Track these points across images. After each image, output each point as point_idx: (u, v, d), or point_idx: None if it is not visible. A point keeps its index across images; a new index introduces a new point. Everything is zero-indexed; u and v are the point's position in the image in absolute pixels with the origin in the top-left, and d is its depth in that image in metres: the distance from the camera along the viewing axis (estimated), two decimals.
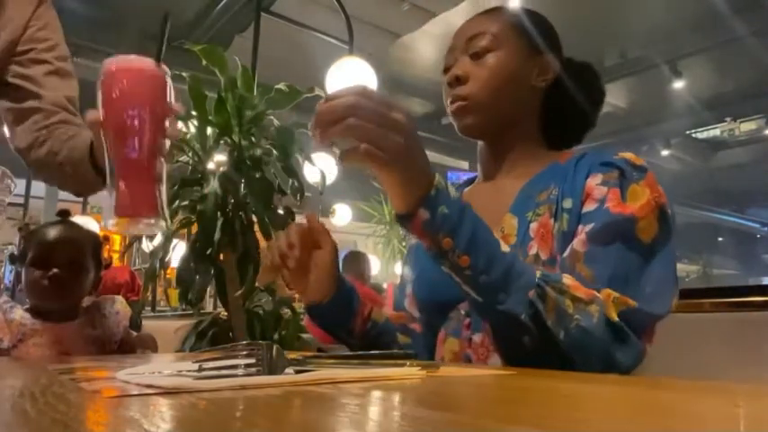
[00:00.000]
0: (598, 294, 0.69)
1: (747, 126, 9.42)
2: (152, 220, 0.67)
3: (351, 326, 0.90)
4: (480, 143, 0.95)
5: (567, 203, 0.79)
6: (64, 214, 1.36)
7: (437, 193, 0.66)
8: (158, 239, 2.63)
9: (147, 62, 0.70)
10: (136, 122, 0.68)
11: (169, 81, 0.71)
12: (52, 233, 1.24)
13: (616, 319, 0.68)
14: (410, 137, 0.64)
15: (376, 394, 0.43)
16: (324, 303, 0.87)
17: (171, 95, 0.71)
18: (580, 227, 0.76)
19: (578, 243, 0.74)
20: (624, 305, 0.69)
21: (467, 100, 0.88)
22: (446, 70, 0.93)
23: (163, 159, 0.70)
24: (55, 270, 1.19)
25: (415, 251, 0.97)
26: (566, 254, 0.75)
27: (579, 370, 0.67)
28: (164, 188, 0.70)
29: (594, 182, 0.79)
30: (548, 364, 0.66)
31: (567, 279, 0.70)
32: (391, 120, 0.63)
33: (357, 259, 4.12)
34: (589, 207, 0.77)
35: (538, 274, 0.69)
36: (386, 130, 0.62)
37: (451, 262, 0.67)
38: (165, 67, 0.71)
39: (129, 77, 0.69)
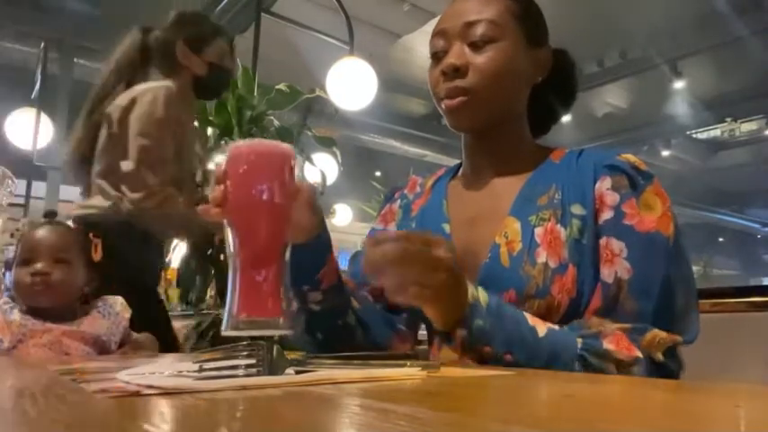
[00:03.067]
0: (638, 354, 0.70)
1: (747, 126, 9.42)
2: (279, 320, 0.60)
3: (319, 276, 0.81)
4: (468, 136, 0.90)
5: (577, 209, 0.78)
6: (50, 215, 1.37)
7: (471, 310, 0.70)
8: None
9: (277, 143, 0.64)
10: (263, 208, 0.61)
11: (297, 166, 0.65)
12: (36, 233, 1.25)
13: (662, 359, 0.70)
14: (452, 271, 0.69)
15: (376, 394, 0.43)
16: (307, 244, 0.76)
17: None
18: (604, 239, 0.76)
19: (623, 271, 0.73)
20: (671, 342, 0.71)
21: (468, 94, 0.82)
22: (436, 55, 0.86)
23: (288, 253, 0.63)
24: (38, 266, 1.19)
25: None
26: (609, 279, 0.74)
27: None
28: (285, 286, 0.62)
29: (604, 186, 0.78)
30: None
31: (607, 342, 0.70)
32: (434, 259, 0.68)
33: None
34: (605, 215, 0.77)
35: (579, 343, 0.70)
36: (430, 271, 0.67)
37: (497, 362, 0.71)
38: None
39: (266, 158, 0.62)
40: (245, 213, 0.61)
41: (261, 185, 0.61)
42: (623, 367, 0.69)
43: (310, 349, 0.86)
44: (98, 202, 1.65)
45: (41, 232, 1.26)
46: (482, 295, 0.72)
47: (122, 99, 1.65)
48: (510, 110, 0.87)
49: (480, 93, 0.82)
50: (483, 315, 0.70)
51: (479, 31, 0.83)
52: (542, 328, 0.72)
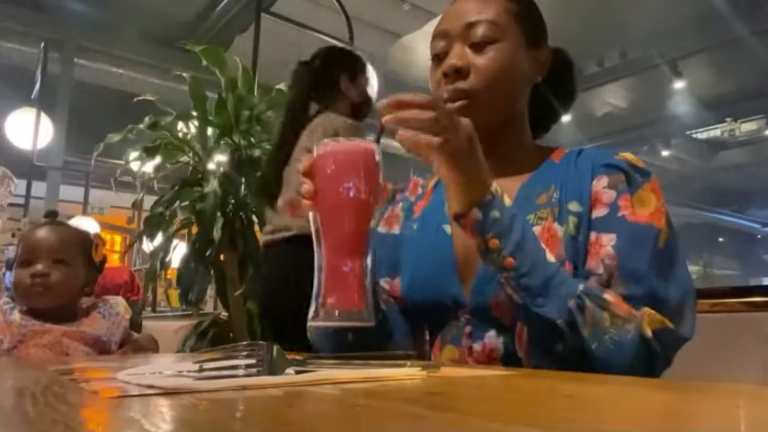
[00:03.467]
0: (636, 313, 0.70)
1: (747, 126, 9.42)
2: (363, 316, 0.63)
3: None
4: None
5: (574, 206, 0.78)
6: (51, 215, 1.37)
7: (492, 198, 0.70)
8: (158, 240, 2.63)
9: (363, 142, 0.67)
10: (351, 205, 0.65)
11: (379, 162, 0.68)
12: (36, 233, 1.25)
13: (650, 335, 0.69)
14: (473, 140, 0.70)
15: (376, 394, 0.43)
16: None
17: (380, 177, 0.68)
18: (594, 234, 0.76)
19: (608, 258, 0.73)
20: (660, 324, 0.70)
21: (469, 97, 0.82)
22: (437, 56, 0.86)
23: (370, 251, 0.66)
24: (38, 267, 1.19)
25: (409, 246, 0.93)
26: (598, 269, 0.74)
27: None
28: (369, 279, 0.65)
29: (601, 184, 0.78)
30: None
31: (609, 295, 0.70)
32: (457, 119, 0.69)
33: None
34: (600, 212, 0.77)
35: (581, 287, 0.70)
36: (454, 127, 0.69)
37: (497, 262, 0.70)
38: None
39: (353, 159, 0.66)
40: (333, 210, 0.64)
41: (348, 183, 0.64)
42: (618, 321, 0.68)
43: (332, 350, 0.84)
44: (290, 222, 1.75)
45: (41, 233, 1.26)
46: (506, 198, 0.72)
47: (322, 134, 1.72)
48: (511, 110, 0.87)
49: (482, 94, 0.82)
50: (502, 209, 0.71)
51: (480, 31, 0.83)
52: (552, 257, 0.72)
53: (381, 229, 1.00)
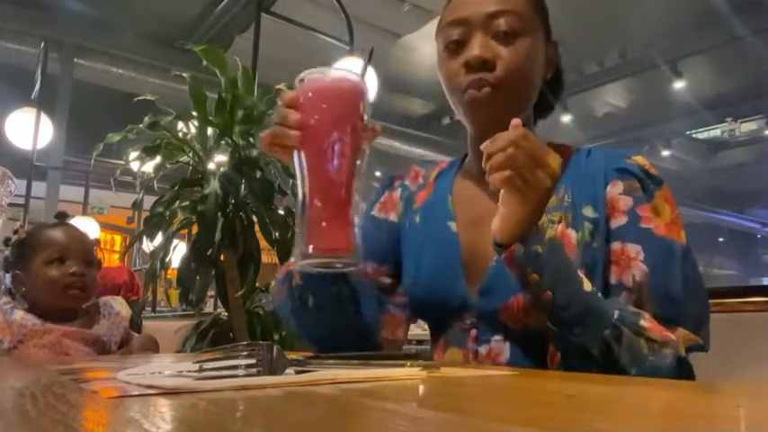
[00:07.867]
0: (673, 336, 0.70)
1: (747, 126, 9.41)
2: (350, 258, 0.61)
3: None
4: (478, 132, 0.85)
5: (588, 212, 0.77)
6: (63, 216, 1.37)
7: (537, 233, 0.69)
8: (158, 240, 2.63)
9: (352, 78, 0.63)
10: (340, 143, 0.61)
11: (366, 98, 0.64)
12: (63, 233, 1.26)
13: (683, 354, 0.70)
14: (553, 187, 0.68)
15: (376, 395, 0.43)
16: None
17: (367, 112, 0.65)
18: (617, 243, 0.75)
19: (640, 274, 0.73)
20: (693, 342, 0.71)
21: (494, 88, 0.78)
22: (454, 44, 0.81)
23: (356, 191, 0.63)
24: (75, 267, 1.21)
25: (411, 240, 0.90)
26: (629, 283, 0.74)
27: None
28: (357, 223, 0.62)
29: (616, 190, 0.77)
30: None
31: (644, 321, 0.70)
32: (543, 161, 0.66)
33: None
34: (619, 220, 0.76)
35: (616, 314, 0.69)
36: (536, 167, 0.66)
37: (535, 295, 0.70)
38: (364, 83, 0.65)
39: (336, 93, 0.62)
40: (322, 148, 0.61)
41: (340, 120, 0.61)
42: (656, 347, 0.68)
43: (304, 326, 0.83)
44: None
45: (70, 233, 1.27)
46: (548, 231, 0.71)
47: None
48: (528, 107, 0.85)
49: (506, 87, 0.79)
50: (543, 243, 0.69)
51: (505, 22, 0.79)
52: (588, 285, 0.71)
53: (378, 213, 0.96)
